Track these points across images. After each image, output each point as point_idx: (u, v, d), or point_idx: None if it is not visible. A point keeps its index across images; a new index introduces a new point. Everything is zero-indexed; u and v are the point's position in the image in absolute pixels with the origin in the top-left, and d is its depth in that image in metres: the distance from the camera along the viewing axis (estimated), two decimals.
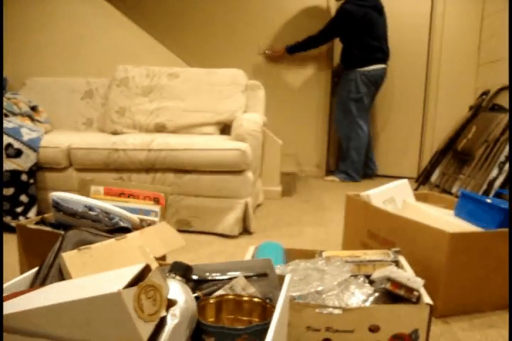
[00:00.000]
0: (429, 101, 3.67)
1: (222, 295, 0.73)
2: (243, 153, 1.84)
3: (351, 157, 3.39)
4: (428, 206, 1.46)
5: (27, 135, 1.95)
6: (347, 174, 3.44)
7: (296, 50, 3.40)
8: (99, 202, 1.16)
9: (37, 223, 1.24)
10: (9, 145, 1.89)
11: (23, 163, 1.90)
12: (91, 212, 1.12)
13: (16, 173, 1.88)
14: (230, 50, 3.73)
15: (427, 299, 0.88)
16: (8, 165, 1.87)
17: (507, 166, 2.44)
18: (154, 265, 0.88)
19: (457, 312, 1.19)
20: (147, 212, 1.28)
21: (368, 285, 1.00)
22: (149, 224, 1.20)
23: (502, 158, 2.49)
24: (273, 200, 2.70)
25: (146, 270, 0.63)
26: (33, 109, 2.41)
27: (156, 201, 1.34)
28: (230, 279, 0.77)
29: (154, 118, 2.39)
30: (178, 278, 0.69)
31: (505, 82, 2.96)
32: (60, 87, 2.61)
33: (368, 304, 0.92)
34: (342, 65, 3.44)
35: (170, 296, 0.63)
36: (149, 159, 1.88)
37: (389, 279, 0.93)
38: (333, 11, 3.59)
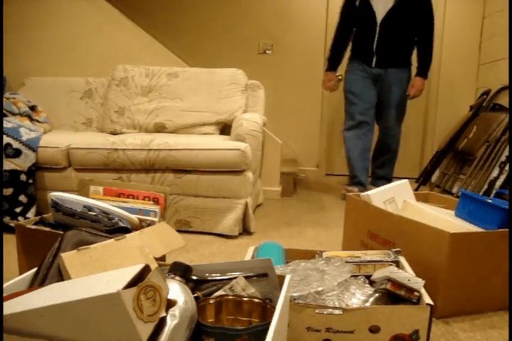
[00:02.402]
0: (430, 101, 3.67)
1: (221, 296, 0.73)
2: (243, 153, 1.83)
3: (395, 161, 3.08)
4: (428, 206, 1.45)
5: (26, 135, 1.95)
6: (390, 181, 3.02)
7: (428, 70, 2.90)
8: (99, 202, 1.16)
9: (36, 223, 1.24)
10: (8, 145, 1.88)
11: (22, 163, 1.89)
12: (90, 212, 1.12)
13: (15, 173, 1.88)
14: (230, 50, 3.73)
15: (427, 299, 0.88)
16: (7, 165, 1.87)
17: (508, 166, 2.44)
18: (154, 265, 0.88)
19: (458, 312, 1.18)
20: (146, 212, 1.27)
21: (368, 285, 0.99)
22: (149, 225, 1.20)
23: (503, 158, 2.49)
24: (273, 200, 2.70)
25: (145, 270, 0.63)
26: (32, 108, 2.41)
27: (156, 201, 1.34)
28: (230, 279, 0.76)
29: (154, 118, 2.38)
30: (177, 278, 0.69)
31: (506, 81, 2.96)
32: (59, 86, 2.60)
33: (368, 304, 0.92)
34: (392, 62, 2.90)
35: (169, 297, 0.63)
36: (149, 159, 1.88)
37: (389, 280, 0.93)
38: (332, 11, 3.59)
